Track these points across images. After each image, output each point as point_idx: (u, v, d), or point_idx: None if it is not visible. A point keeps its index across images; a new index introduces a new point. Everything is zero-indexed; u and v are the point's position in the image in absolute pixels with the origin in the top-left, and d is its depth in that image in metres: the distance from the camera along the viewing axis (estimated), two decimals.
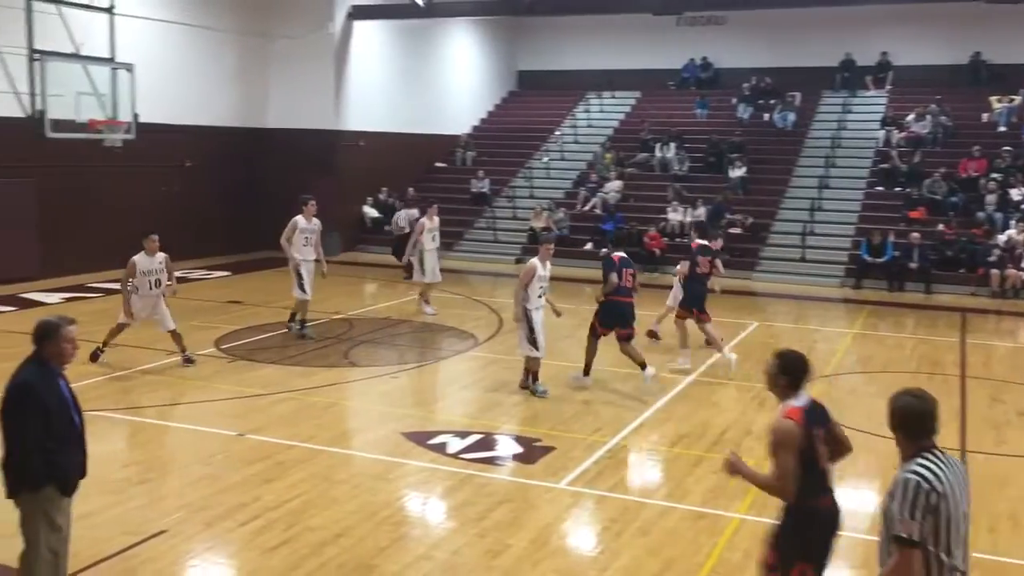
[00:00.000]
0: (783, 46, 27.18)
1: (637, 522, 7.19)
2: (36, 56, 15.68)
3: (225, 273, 19.94)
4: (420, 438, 9.10)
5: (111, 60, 17.15)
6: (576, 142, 27.57)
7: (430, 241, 15.81)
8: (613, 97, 29.28)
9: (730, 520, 7.28)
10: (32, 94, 15.79)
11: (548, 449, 8.88)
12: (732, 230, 21.51)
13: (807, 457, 4.65)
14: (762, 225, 22.16)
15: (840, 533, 4.88)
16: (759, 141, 25.15)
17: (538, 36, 30.45)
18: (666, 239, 21.73)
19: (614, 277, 10.84)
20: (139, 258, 11.61)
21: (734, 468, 4.82)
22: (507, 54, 31.10)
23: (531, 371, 10.87)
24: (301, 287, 13.34)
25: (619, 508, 7.48)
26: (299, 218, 13.41)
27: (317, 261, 13.53)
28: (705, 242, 12.93)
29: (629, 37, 28.42)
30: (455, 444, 8.95)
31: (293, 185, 21.21)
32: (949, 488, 3.89)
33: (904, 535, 3.84)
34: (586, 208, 23.80)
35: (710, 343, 12.47)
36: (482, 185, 25.27)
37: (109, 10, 17.38)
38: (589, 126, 28.33)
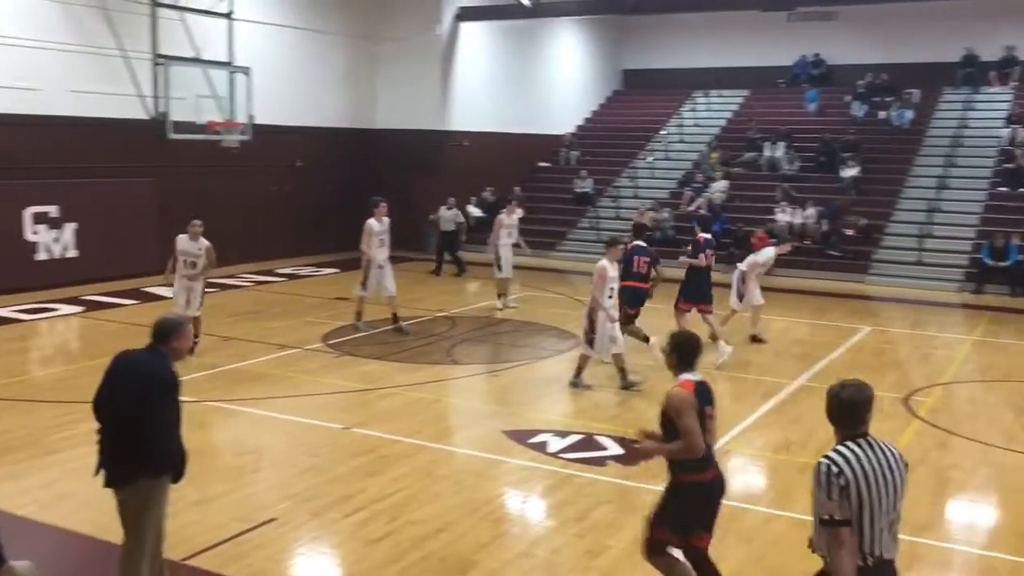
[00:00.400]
0: (899, 41, 26.19)
1: (739, 529, 7.05)
2: (160, 61, 16.44)
3: (333, 270, 20.44)
4: (521, 436, 9.14)
5: (229, 64, 17.84)
6: (681, 141, 27.23)
7: (506, 237, 16.23)
8: (720, 96, 28.81)
9: None
10: (155, 97, 16.56)
11: None
12: (846, 231, 20.91)
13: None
14: (876, 227, 21.44)
15: (723, 502, 5.38)
16: (874, 140, 24.34)
17: (644, 34, 30.18)
18: (774, 240, 21.22)
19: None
20: (180, 238, 12.23)
21: (645, 453, 5.02)
22: (612, 53, 30.94)
23: (580, 367, 10.94)
24: (363, 285, 13.69)
25: (722, 513, 7.32)
26: (372, 221, 13.65)
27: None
28: (708, 235, 13.10)
29: (737, 34, 27.89)
30: (555, 443, 8.96)
31: (399, 185, 21.69)
32: (862, 474, 4.04)
33: (825, 516, 4.05)
34: (691, 208, 23.46)
35: (712, 337, 12.40)
36: (585, 185, 25.20)
37: (228, 16, 18.06)
38: (695, 125, 27.94)
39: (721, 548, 6.71)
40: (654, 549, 5.48)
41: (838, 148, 23.81)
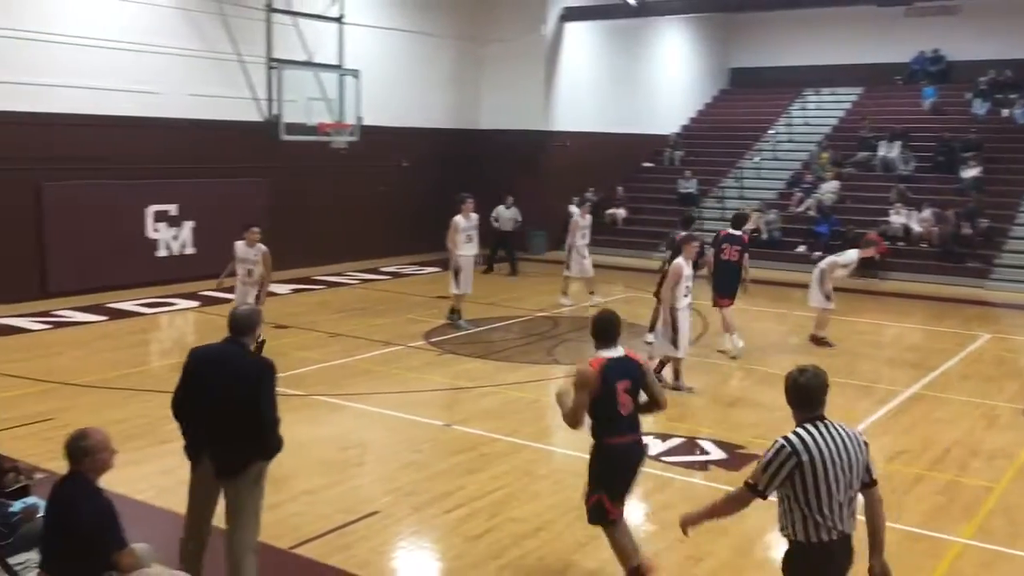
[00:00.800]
0: None
1: None
2: (273, 64, 16.95)
3: (436, 269, 20.69)
4: None
5: (339, 67, 18.27)
6: (791, 141, 26.58)
7: (580, 239, 16.31)
8: (832, 93, 28.00)
9: (952, 545, 6.79)
10: (269, 100, 17.09)
11: (752, 457, 8.59)
12: (965, 232, 20.10)
13: (604, 401, 5.65)
14: (998, 230, 20.49)
15: (639, 470, 5.89)
16: (996, 139, 23.25)
17: (753, 32, 29.58)
18: (888, 243, 20.54)
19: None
20: (238, 244, 12.22)
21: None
22: (719, 51, 30.43)
23: (676, 370, 10.83)
24: (456, 282, 14.02)
25: None
26: (459, 218, 14.01)
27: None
28: (735, 231, 13.01)
29: (851, 30, 27.04)
30: (656, 446, 8.86)
31: (503, 185, 21.81)
32: (818, 454, 4.29)
33: (750, 481, 4.45)
34: (799, 209, 22.89)
35: (725, 329, 12.66)
36: (689, 185, 24.85)
37: (339, 20, 18.51)
38: (805, 124, 27.21)
39: None
40: (593, 513, 5.90)
41: (958, 148, 22.84)
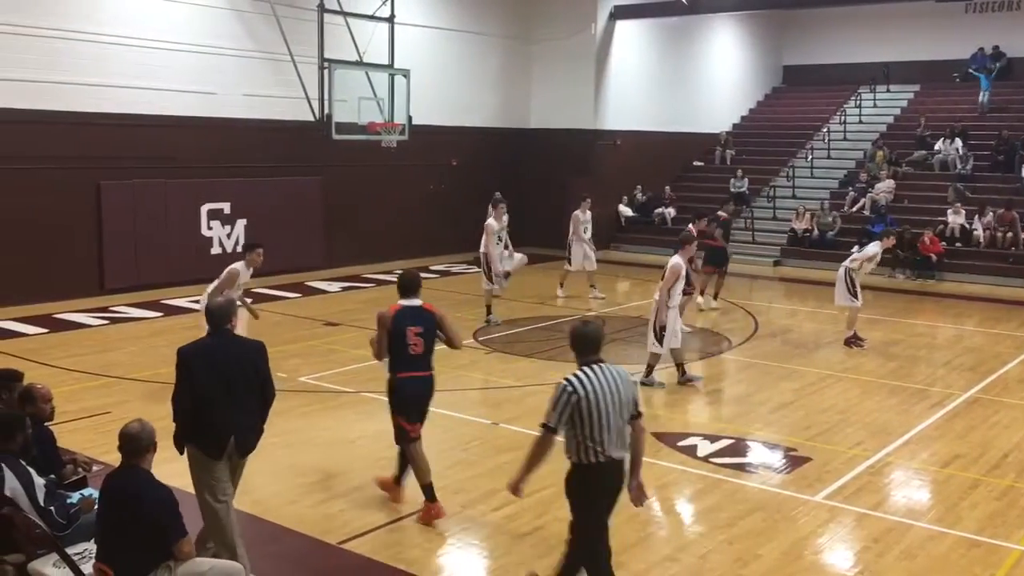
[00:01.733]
0: None
1: (901, 545, 6.72)
2: (325, 64, 17.12)
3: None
4: (669, 439, 9.01)
5: (390, 66, 18.40)
6: (845, 139, 26.15)
7: (583, 232, 16.55)
8: (888, 91, 27.49)
9: (1010, 552, 6.63)
10: (321, 99, 17.27)
11: (804, 459, 8.50)
12: None
13: (397, 341, 6.82)
14: None
15: (426, 400, 7.08)
16: None
17: (807, 29, 29.16)
18: (944, 243, 20.14)
19: None
20: (239, 266, 10.53)
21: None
22: (772, 48, 30.05)
23: (652, 366, 10.90)
24: (490, 279, 14.32)
25: (881, 528, 7.02)
26: (492, 221, 14.34)
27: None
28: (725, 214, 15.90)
29: (908, 26, 26.52)
30: (705, 447, 8.79)
31: (552, 184, 21.82)
32: (592, 392, 5.11)
33: (544, 422, 5.21)
34: (853, 209, 22.52)
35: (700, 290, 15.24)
36: (740, 184, 24.58)
37: (390, 20, 18.65)
38: (860, 122, 26.74)
39: (882, 563, 6.43)
40: (397, 434, 7.05)
41: (1018, 146, 22.28)
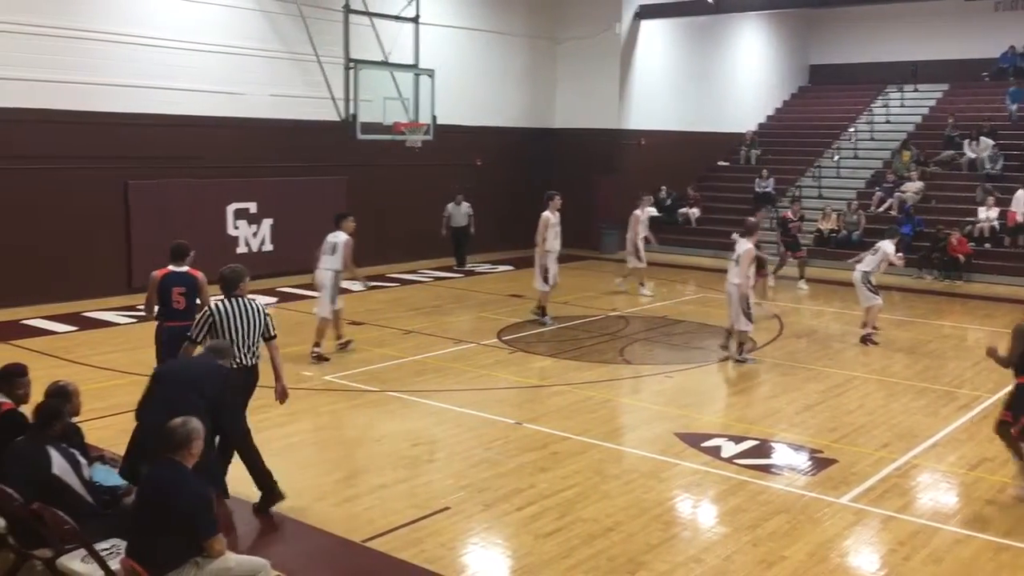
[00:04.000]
0: None
1: (928, 548, 6.65)
2: (351, 64, 17.20)
3: (508, 268, 20.79)
4: (693, 440, 8.98)
5: (415, 66, 18.45)
6: (872, 139, 25.93)
7: (640, 230, 17.21)
8: (916, 90, 27.23)
9: None
10: (346, 99, 17.35)
11: (830, 461, 8.44)
12: None
13: (162, 297, 8.45)
14: None
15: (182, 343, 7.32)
16: None
17: (834, 27, 28.94)
18: (972, 244, 19.91)
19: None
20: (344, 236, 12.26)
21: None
22: (799, 47, 29.85)
23: (742, 343, 12.16)
24: (545, 279, 14.13)
25: (907, 531, 6.96)
26: (548, 214, 14.06)
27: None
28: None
29: (937, 25, 26.27)
30: (729, 448, 8.75)
31: (577, 184, 21.78)
32: (228, 316, 7.08)
33: (190, 334, 7.14)
34: (880, 209, 22.33)
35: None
36: (766, 184, 24.43)
37: (415, 20, 18.70)
38: (887, 122, 26.51)
39: (908, 567, 6.38)
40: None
41: None
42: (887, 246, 13.30)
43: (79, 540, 5.13)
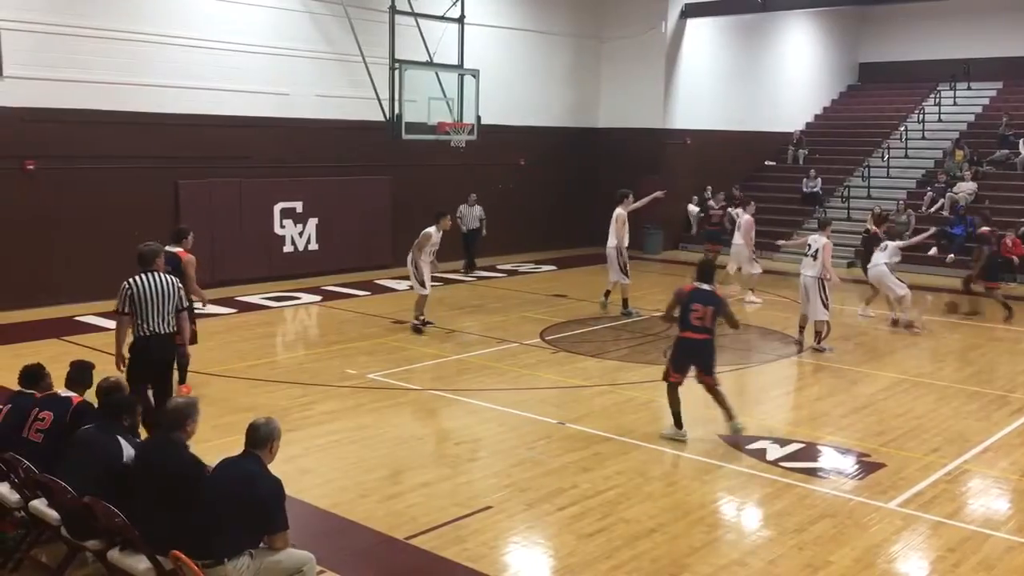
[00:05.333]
0: None
1: (979, 555, 6.52)
2: (396, 65, 17.29)
3: (551, 267, 20.76)
4: (738, 442, 8.89)
5: (459, 66, 18.50)
6: (923, 138, 25.46)
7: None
8: (969, 89, 26.68)
9: None
10: (391, 100, 17.45)
11: (878, 465, 8.30)
12: None
13: None
14: None
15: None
16: None
17: (885, 25, 28.46)
18: None
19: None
20: (432, 230, 13.62)
21: None
22: (848, 46, 29.40)
23: (819, 332, 12.68)
24: (626, 273, 14.87)
25: (957, 537, 6.82)
26: (621, 210, 14.84)
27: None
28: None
29: (991, 21, 25.71)
30: (775, 451, 8.65)
31: (621, 183, 21.61)
32: (142, 290, 7.78)
33: (117, 308, 7.79)
34: (932, 210, 21.92)
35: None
36: (813, 184, 24.13)
37: (460, 20, 18.75)
38: (939, 120, 26.02)
39: (958, 574, 6.26)
40: None
41: None
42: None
43: (129, 533, 5.22)
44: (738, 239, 16.96)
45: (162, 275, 7.93)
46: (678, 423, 8.94)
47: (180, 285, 8.03)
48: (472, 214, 20.16)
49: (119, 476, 5.52)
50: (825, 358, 12.45)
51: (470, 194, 20.19)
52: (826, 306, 12.54)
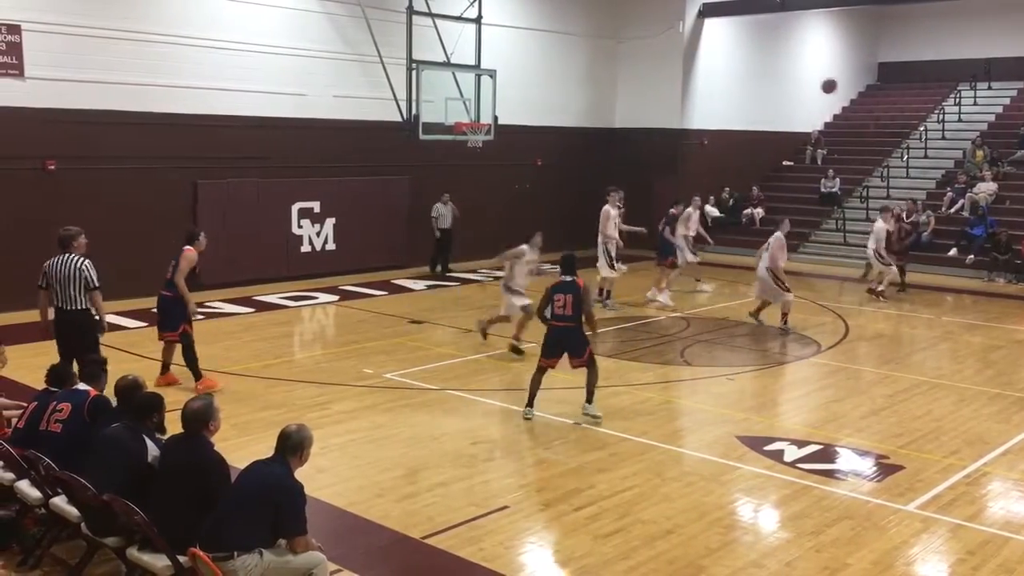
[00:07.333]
0: None
1: (999, 558, 6.47)
2: (413, 65, 17.34)
3: None
4: (755, 443, 8.86)
5: (477, 67, 18.52)
6: (943, 138, 25.27)
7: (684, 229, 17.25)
8: (990, 88, 26.46)
9: None
10: (408, 100, 17.49)
11: (896, 467, 8.25)
12: None
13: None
14: None
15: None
16: None
17: (904, 24, 28.26)
18: None
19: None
20: (525, 248, 12.93)
21: None
22: (867, 45, 29.22)
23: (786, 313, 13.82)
24: (611, 265, 15.50)
25: (977, 540, 6.77)
26: (609, 208, 15.40)
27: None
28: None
29: (1012, 20, 25.46)
30: (792, 452, 8.62)
31: (638, 184, 21.62)
32: (53, 269, 8.62)
33: (42, 283, 8.75)
34: (951, 211, 21.76)
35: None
36: (832, 184, 24.01)
37: (477, 20, 18.78)
38: (959, 120, 25.81)
39: None
40: None
41: None
42: (877, 225, 16.64)
43: (149, 531, 5.25)
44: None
45: (72, 258, 8.70)
46: (530, 403, 9.58)
47: (86, 268, 8.71)
48: (448, 213, 19.41)
49: (142, 475, 5.56)
50: (842, 358, 12.38)
51: (443, 193, 19.44)
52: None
